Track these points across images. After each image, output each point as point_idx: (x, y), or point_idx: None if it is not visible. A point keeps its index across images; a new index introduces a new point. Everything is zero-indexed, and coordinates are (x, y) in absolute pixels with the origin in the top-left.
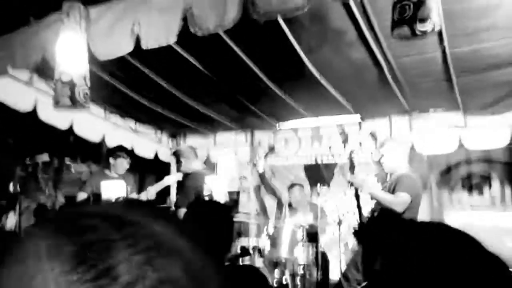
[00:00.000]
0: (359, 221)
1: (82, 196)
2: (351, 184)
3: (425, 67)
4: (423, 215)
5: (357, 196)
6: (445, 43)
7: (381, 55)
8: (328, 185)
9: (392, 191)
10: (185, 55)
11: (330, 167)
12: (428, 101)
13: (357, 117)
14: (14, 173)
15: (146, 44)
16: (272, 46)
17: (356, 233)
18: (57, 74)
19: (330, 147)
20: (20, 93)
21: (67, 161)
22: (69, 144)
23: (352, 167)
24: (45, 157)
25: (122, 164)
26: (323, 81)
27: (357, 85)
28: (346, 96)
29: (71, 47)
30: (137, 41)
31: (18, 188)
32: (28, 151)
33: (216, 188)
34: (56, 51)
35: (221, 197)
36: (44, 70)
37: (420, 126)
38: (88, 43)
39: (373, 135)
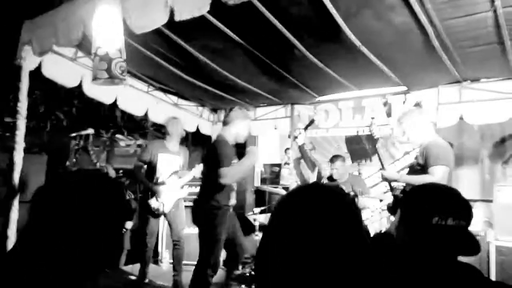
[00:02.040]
0: (393, 195)
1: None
2: (384, 179)
3: (475, 29)
4: (473, 188)
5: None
6: (497, 1)
7: (426, 18)
8: (371, 159)
9: (423, 165)
10: (222, 27)
11: (373, 140)
12: (479, 69)
13: (402, 87)
14: (69, 147)
15: (179, 16)
16: (309, 14)
17: (390, 209)
18: (94, 49)
19: (372, 119)
20: (66, 69)
21: (115, 134)
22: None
23: (371, 139)
24: (90, 131)
25: (178, 127)
26: (364, 50)
27: (401, 52)
28: (390, 65)
29: (107, 21)
30: (171, 14)
31: (72, 161)
32: (77, 126)
33: None
34: (92, 26)
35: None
36: (86, 45)
37: (471, 95)
38: (123, 17)
39: (418, 106)
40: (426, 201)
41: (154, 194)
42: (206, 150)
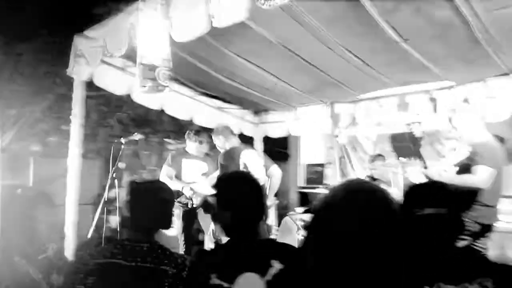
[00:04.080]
0: None
1: (165, 169)
2: (428, 179)
3: None
4: None
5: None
6: None
7: (469, 11)
8: (415, 157)
9: (470, 165)
10: (260, 29)
11: (415, 139)
12: None
13: (447, 82)
14: (121, 152)
15: (219, 23)
16: (344, 11)
17: None
18: (139, 58)
19: (417, 115)
20: (116, 78)
21: (164, 139)
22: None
23: (413, 139)
24: (139, 136)
25: (199, 148)
26: (404, 45)
27: (443, 47)
28: (433, 60)
29: (151, 31)
30: (211, 21)
31: (124, 165)
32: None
33: (252, 162)
34: (137, 36)
35: (258, 170)
36: (133, 55)
37: None
38: (167, 26)
39: (466, 101)
40: (409, 197)
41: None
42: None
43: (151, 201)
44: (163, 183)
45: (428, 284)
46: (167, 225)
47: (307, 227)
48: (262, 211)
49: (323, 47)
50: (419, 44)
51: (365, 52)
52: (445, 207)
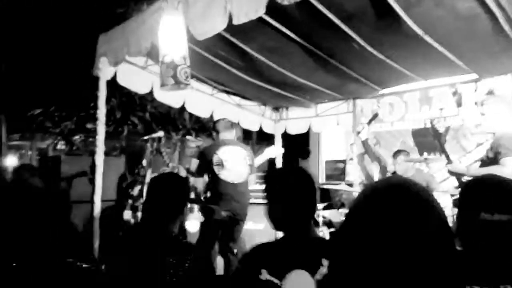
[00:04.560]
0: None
1: (194, 162)
2: (451, 173)
3: None
4: None
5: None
6: None
7: (493, 1)
8: (440, 152)
9: (492, 158)
10: (279, 26)
11: (438, 134)
12: None
13: (472, 75)
14: (144, 150)
15: (237, 19)
16: (364, 6)
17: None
18: (161, 56)
19: (441, 110)
20: (138, 77)
21: (185, 136)
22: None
23: (437, 136)
24: (160, 134)
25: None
26: (427, 39)
27: (467, 39)
28: (456, 53)
29: (171, 30)
30: (230, 18)
31: (148, 163)
32: (150, 130)
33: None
34: (159, 35)
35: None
36: (155, 54)
37: None
38: (187, 25)
39: (492, 94)
40: (475, 195)
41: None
42: None
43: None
44: (176, 175)
45: None
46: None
47: (342, 225)
48: (314, 207)
49: (344, 43)
50: (442, 37)
51: (387, 47)
52: None
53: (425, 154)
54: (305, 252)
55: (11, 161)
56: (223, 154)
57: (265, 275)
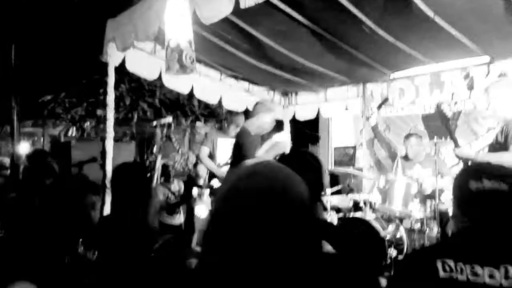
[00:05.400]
0: None
1: (204, 150)
2: (459, 158)
3: None
4: None
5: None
6: None
7: None
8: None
9: (502, 143)
10: (287, 9)
11: (445, 119)
12: None
13: (484, 58)
14: (154, 136)
15: (245, 3)
16: None
17: None
18: (166, 41)
19: (452, 94)
20: (147, 62)
21: (195, 122)
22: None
23: (445, 120)
24: (169, 119)
25: (234, 130)
26: (438, 20)
27: (480, 21)
28: (468, 35)
29: (177, 14)
30: (237, 2)
31: (158, 149)
32: (160, 116)
33: None
34: (164, 20)
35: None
36: (162, 39)
37: None
38: (193, 9)
39: (503, 76)
40: (466, 172)
41: (215, 176)
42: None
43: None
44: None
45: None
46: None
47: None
48: (319, 189)
49: (354, 26)
50: (453, 19)
51: (397, 29)
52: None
53: (436, 138)
54: None
55: (24, 147)
56: None
57: None
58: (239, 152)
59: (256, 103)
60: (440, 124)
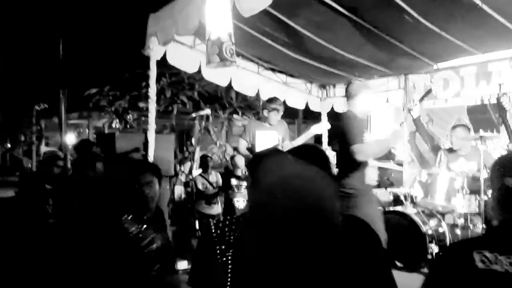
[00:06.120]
0: None
1: (242, 143)
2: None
3: None
4: None
5: None
6: None
7: None
8: (498, 130)
9: None
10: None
11: (502, 109)
12: None
13: None
14: (193, 128)
15: None
16: None
17: None
18: (207, 35)
19: (500, 85)
20: (187, 56)
21: (232, 115)
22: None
23: (501, 109)
24: (207, 111)
25: (274, 116)
26: (486, 8)
27: None
28: None
29: (217, 8)
30: None
31: (196, 141)
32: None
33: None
34: (205, 13)
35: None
36: (202, 33)
37: None
38: (233, 1)
39: None
40: (501, 163)
41: None
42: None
43: None
44: None
45: None
46: None
47: None
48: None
49: (395, 15)
50: (502, 6)
51: (442, 18)
52: None
53: (481, 131)
54: None
55: (70, 138)
56: None
57: None
58: (343, 138)
59: (351, 84)
60: (490, 116)
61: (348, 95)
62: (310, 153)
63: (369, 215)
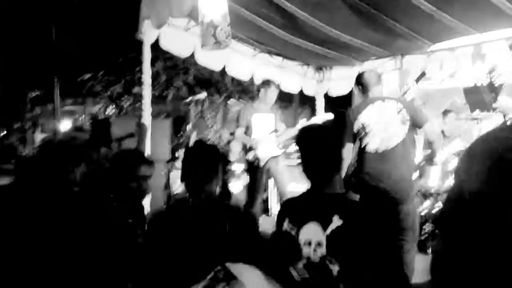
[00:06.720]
0: None
1: (239, 130)
2: (494, 110)
3: None
4: None
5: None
6: None
7: None
8: (489, 110)
9: None
10: None
11: (494, 88)
12: None
13: None
14: (189, 113)
15: None
16: None
17: None
18: (201, 17)
19: (495, 66)
20: (180, 39)
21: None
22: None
23: (493, 89)
24: (203, 95)
25: (271, 94)
26: None
27: None
28: None
29: None
30: None
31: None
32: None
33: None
34: None
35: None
36: (196, 15)
37: None
38: None
39: None
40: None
41: (251, 149)
42: None
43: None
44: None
45: None
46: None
47: None
48: (338, 163)
49: None
50: None
51: None
52: None
53: (477, 112)
54: (321, 206)
55: (65, 125)
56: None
57: (285, 225)
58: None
59: (371, 72)
60: (485, 96)
61: (364, 89)
62: None
63: None
